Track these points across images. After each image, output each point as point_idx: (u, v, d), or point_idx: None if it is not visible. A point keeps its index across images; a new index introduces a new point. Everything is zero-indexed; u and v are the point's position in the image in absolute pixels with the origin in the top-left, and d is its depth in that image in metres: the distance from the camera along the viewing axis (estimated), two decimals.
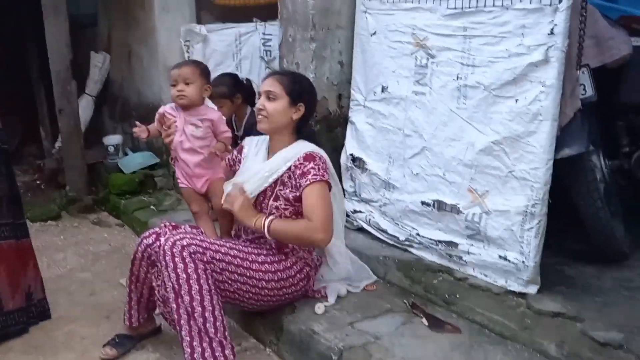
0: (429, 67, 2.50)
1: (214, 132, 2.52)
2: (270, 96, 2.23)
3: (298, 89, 2.25)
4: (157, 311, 2.39)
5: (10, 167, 2.49)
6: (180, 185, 2.61)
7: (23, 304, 2.51)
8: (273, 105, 2.22)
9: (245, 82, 3.45)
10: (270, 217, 2.17)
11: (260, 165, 2.32)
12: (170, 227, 2.28)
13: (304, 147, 2.26)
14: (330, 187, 2.23)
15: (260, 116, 2.25)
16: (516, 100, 2.19)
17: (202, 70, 2.48)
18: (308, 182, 2.17)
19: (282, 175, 2.24)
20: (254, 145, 2.44)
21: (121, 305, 2.79)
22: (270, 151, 2.35)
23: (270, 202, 2.24)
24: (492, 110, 2.28)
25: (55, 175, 4.89)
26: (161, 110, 2.50)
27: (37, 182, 5.13)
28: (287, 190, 2.23)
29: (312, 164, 2.19)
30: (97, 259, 3.49)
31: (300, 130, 2.31)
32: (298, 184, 2.20)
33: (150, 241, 2.24)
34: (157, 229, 2.29)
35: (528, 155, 2.16)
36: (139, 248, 2.27)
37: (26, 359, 2.35)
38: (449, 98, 2.42)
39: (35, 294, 2.60)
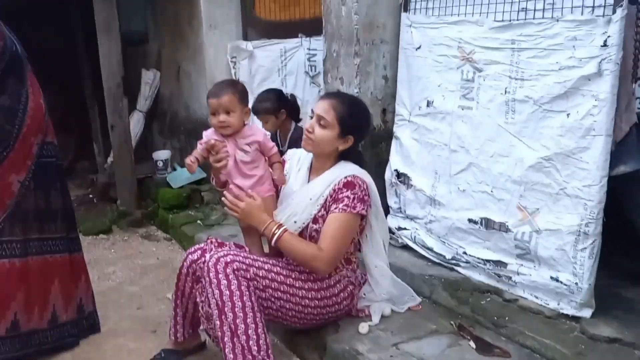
0: (476, 81, 2.45)
1: (262, 151, 2.34)
2: (321, 122, 2.18)
3: (352, 122, 2.19)
4: (201, 327, 2.40)
5: (64, 182, 2.56)
6: None
7: (75, 317, 2.58)
8: (322, 133, 2.18)
9: (289, 97, 3.46)
10: (284, 229, 2.15)
11: (301, 195, 2.26)
12: (216, 244, 2.30)
13: (346, 170, 2.23)
14: (362, 217, 2.20)
15: (306, 137, 2.23)
16: (568, 115, 2.11)
17: (241, 94, 2.28)
18: (336, 210, 2.15)
19: (325, 200, 2.21)
20: (296, 161, 2.42)
21: (168, 319, 2.82)
22: (312, 170, 2.34)
23: (310, 224, 2.22)
24: (542, 125, 2.20)
25: (107, 189, 5.05)
26: (209, 140, 2.26)
27: (90, 196, 5.30)
28: (325, 213, 2.21)
29: (349, 192, 2.15)
30: (145, 272, 3.56)
31: (346, 156, 2.28)
32: (329, 208, 2.18)
33: (196, 257, 2.27)
34: (202, 245, 2.31)
35: (581, 172, 2.07)
36: (185, 264, 2.30)
37: None
38: (497, 113, 2.35)
39: (87, 306, 2.66)
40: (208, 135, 2.28)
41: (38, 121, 2.36)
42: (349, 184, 2.17)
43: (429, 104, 2.69)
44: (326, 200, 2.20)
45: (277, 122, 3.35)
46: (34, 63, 2.44)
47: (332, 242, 2.14)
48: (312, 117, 2.23)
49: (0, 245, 2.30)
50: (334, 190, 2.18)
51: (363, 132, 2.32)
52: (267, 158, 2.34)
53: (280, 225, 2.17)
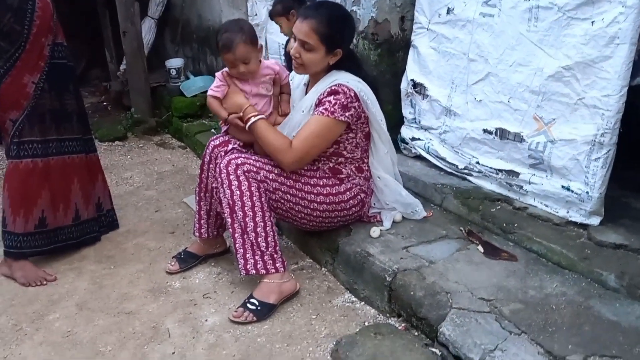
0: None
1: (275, 81, 2.35)
2: (305, 47, 2.14)
3: (335, 36, 2.15)
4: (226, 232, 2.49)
5: (77, 84, 2.58)
6: None
7: (94, 214, 2.68)
8: (309, 56, 2.16)
9: None
10: (261, 116, 2.19)
11: (297, 109, 2.29)
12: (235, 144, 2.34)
13: (335, 78, 2.20)
14: (347, 125, 2.19)
15: (296, 63, 2.20)
16: (592, 23, 2.05)
17: (251, 37, 2.21)
18: (316, 113, 2.16)
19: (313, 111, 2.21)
20: (298, 78, 2.45)
21: (185, 221, 2.94)
22: (309, 85, 2.35)
23: None
24: (564, 33, 2.14)
25: (121, 97, 5.05)
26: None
27: (104, 103, 5.33)
28: None
29: (331, 97, 2.15)
30: (161, 178, 3.64)
31: (338, 66, 2.24)
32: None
33: (218, 142, 2.33)
34: (223, 133, 2.37)
35: (601, 81, 2.05)
36: (207, 151, 2.35)
37: (99, 267, 2.52)
38: (519, 20, 2.29)
39: (105, 204, 2.77)
40: (220, 79, 2.29)
41: (47, 21, 2.33)
42: (333, 92, 2.16)
43: (449, 11, 2.62)
44: (314, 110, 2.22)
45: (290, 24, 3.28)
46: None
47: (303, 142, 2.17)
48: (295, 40, 2.18)
49: (22, 145, 2.36)
50: (319, 99, 2.19)
51: (349, 39, 2.27)
52: (280, 87, 2.37)
53: (260, 113, 2.20)
